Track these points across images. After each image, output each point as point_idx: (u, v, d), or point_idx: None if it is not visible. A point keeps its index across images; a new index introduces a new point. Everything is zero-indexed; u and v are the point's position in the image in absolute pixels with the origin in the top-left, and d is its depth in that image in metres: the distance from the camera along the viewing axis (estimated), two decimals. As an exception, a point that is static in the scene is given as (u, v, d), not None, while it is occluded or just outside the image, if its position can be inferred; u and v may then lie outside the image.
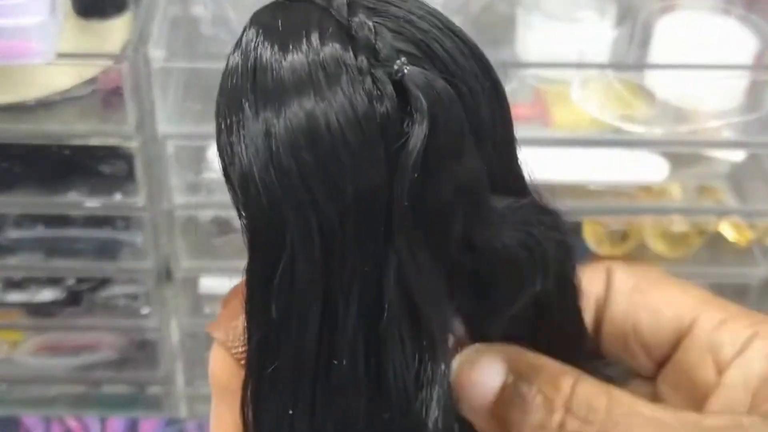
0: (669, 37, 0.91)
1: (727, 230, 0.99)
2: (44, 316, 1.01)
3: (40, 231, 0.97)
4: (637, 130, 0.90)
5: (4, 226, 0.97)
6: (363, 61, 0.43)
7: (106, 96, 0.89)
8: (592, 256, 1.00)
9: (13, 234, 0.97)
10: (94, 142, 0.91)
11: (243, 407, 0.49)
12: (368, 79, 0.43)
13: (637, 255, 1.00)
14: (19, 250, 0.97)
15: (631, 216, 0.98)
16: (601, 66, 0.91)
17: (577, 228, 0.99)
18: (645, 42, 0.92)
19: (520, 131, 0.99)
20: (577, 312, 0.54)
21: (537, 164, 0.98)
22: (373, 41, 0.44)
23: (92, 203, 0.92)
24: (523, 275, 0.48)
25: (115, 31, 0.87)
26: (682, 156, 0.95)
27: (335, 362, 0.46)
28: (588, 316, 0.54)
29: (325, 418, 0.47)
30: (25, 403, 1.07)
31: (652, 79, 0.91)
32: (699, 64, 0.87)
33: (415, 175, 0.43)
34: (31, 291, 1.00)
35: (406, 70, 0.43)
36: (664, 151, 0.94)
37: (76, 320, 1.01)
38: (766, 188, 0.97)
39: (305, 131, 0.43)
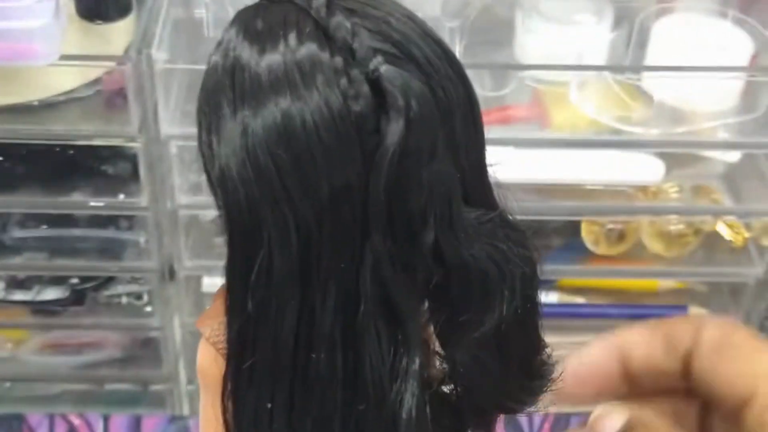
0: (666, 40, 0.91)
1: (723, 230, 0.99)
2: (48, 314, 1.02)
3: (44, 231, 0.98)
4: (635, 131, 0.90)
5: (8, 226, 0.98)
6: (339, 60, 0.44)
7: (109, 97, 0.89)
8: (590, 256, 1.01)
9: (18, 233, 0.98)
10: (97, 142, 0.91)
11: (223, 400, 0.49)
12: (344, 79, 0.44)
13: (634, 254, 1.01)
14: (24, 249, 0.97)
15: (628, 216, 0.98)
16: (598, 68, 0.91)
17: (574, 228, 1.00)
18: (642, 44, 0.92)
19: (519, 132, 0.99)
20: (535, 329, 0.54)
21: (535, 165, 0.99)
22: (350, 41, 0.44)
23: (96, 203, 0.92)
24: (493, 292, 0.48)
25: (119, 34, 0.88)
26: (679, 156, 0.96)
27: (313, 356, 0.47)
28: (676, 368, 0.52)
29: (303, 412, 0.48)
30: (29, 401, 1.08)
31: (649, 80, 0.91)
32: (695, 66, 0.88)
33: (392, 173, 0.44)
34: (35, 290, 1.00)
35: (382, 69, 0.44)
36: (660, 152, 0.94)
37: (79, 319, 1.02)
38: (762, 188, 0.98)
39: (281, 130, 0.44)
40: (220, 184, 0.45)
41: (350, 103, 0.44)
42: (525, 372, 0.54)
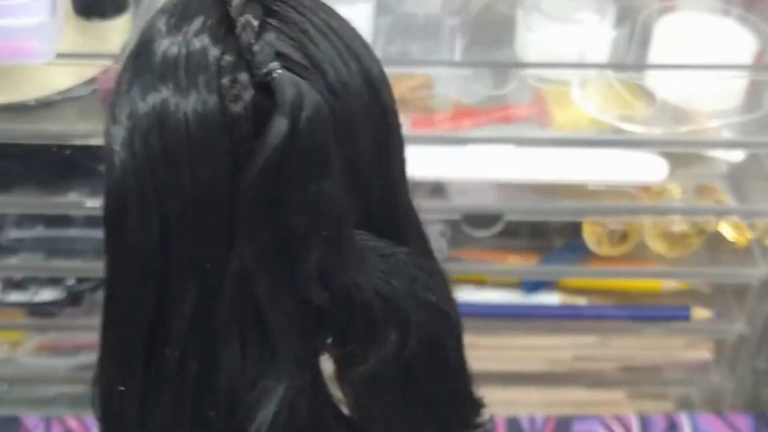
0: (668, 38, 0.91)
1: (727, 230, 0.99)
2: (44, 316, 1.01)
3: (40, 231, 0.97)
4: (637, 130, 0.90)
5: (4, 227, 0.97)
6: (228, 59, 0.44)
7: (106, 96, 0.89)
8: (592, 257, 1.00)
9: (14, 234, 0.97)
10: (94, 142, 0.91)
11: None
12: (226, 79, 0.44)
13: (637, 255, 1.00)
14: (20, 250, 0.97)
15: (630, 216, 0.98)
16: (600, 66, 0.91)
17: (576, 228, 0.99)
18: (644, 42, 0.92)
19: (520, 131, 0.99)
20: (456, 380, 0.52)
21: (537, 164, 0.99)
22: (252, 41, 0.44)
23: (92, 203, 0.92)
24: (377, 329, 0.47)
25: (115, 31, 0.87)
26: (682, 156, 0.95)
27: (167, 351, 0.47)
28: None
29: (155, 403, 0.48)
30: (25, 403, 1.07)
31: (651, 79, 0.91)
32: (698, 64, 0.87)
33: (267, 177, 0.43)
34: (31, 291, 1.00)
35: (276, 74, 0.43)
36: (663, 151, 0.94)
37: (76, 320, 1.01)
38: (766, 188, 0.97)
39: (158, 118, 0.44)
40: (105, 159, 0.46)
41: (228, 104, 0.44)
42: (443, 422, 0.53)
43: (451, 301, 0.50)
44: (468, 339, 1.13)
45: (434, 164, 0.92)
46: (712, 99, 0.91)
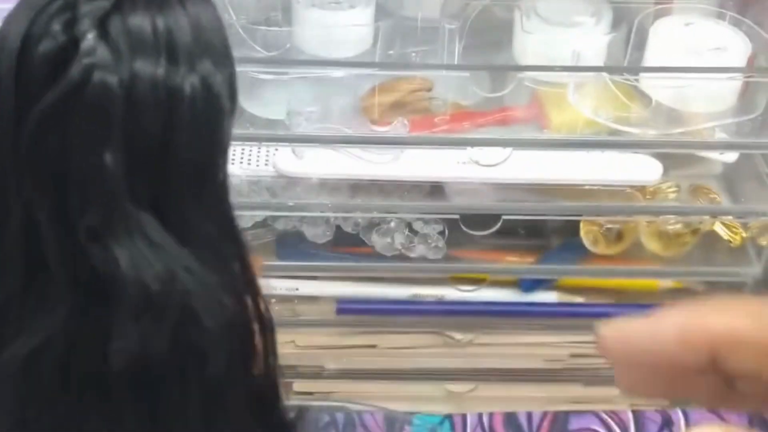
0: (663, 41, 0.92)
1: (721, 230, 1.00)
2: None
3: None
4: (633, 131, 0.91)
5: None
6: (58, 4, 0.46)
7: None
8: (589, 256, 1.01)
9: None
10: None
11: None
12: (46, 21, 0.46)
13: (633, 254, 1.01)
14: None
15: (626, 216, 0.99)
16: (596, 69, 0.92)
17: (573, 227, 1.00)
18: (640, 45, 0.93)
19: (518, 133, 0.99)
20: (227, 401, 0.51)
21: (534, 165, 0.99)
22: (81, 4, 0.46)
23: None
24: (125, 302, 0.47)
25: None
26: (676, 156, 0.96)
27: None
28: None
29: None
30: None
31: (647, 81, 0.92)
32: (693, 67, 0.88)
33: (49, 124, 0.45)
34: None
35: (84, 39, 0.45)
36: (658, 152, 0.95)
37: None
38: (759, 188, 0.98)
39: None
40: None
41: (34, 44, 0.46)
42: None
43: (218, 317, 0.49)
44: (467, 337, 1.14)
45: (433, 165, 0.94)
46: (706, 101, 0.92)
